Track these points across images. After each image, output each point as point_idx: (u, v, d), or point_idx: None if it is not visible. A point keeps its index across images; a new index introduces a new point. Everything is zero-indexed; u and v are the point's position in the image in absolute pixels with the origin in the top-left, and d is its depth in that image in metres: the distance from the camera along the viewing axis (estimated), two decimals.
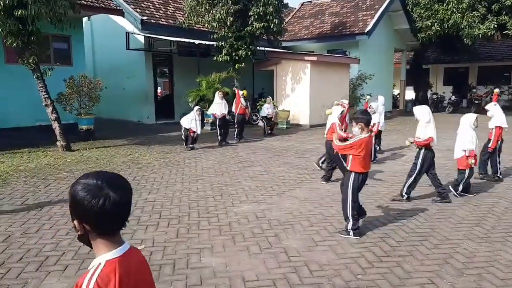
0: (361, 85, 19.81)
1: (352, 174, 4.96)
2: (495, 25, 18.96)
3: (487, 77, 29.26)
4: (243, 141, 13.00)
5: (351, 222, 4.95)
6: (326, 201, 6.31)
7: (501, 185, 7.57)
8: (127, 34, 16.73)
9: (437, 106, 25.57)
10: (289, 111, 16.69)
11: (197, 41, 16.16)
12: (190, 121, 11.08)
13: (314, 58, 16.43)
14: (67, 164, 9.07)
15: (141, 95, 17.91)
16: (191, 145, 11.33)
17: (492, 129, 7.90)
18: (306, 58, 16.62)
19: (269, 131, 14.71)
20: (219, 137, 12.28)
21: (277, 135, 14.50)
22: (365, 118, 4.94)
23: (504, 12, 19.20)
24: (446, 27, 20.27)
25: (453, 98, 24.85)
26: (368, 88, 19.65)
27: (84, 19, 16.18)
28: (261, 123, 16.28)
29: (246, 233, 5.01)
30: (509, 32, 19.01)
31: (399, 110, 25.11)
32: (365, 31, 19.35)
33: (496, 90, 9.18)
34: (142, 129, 16.00)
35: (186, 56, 18.02)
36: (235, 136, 13.15)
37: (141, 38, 17.02)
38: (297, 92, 17.08)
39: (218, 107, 12.27)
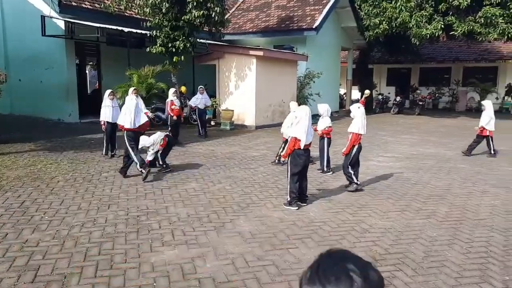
0: (309, 84, 18.64)
1: None
2: (442, 26, 18.49)
3: (429, 78, 29.48)
4: (177, 147, 11.19)
5: None
6: (279, 240, 4.76)
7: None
8: (43, 17, 14.27)
9: (382, 107, 25.13)
10: (233, 110, 15.09)
11: (126, 29, 14.07)
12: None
13: (261, 53, 14.93)
14: None
15: (62, 89, 15.47)
16: (111, 152, 9.41)
17: (351, 133, 6.96)
18: (252, 52, 15.08)
19: (203, 133, 12.98)
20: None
21: (219, 138, 12.83)
22: None
23: (451, 13, 18.80)
24: (394, 25, 19.57)
25: (398, 99, 24.48)
26: (316, 87, 18.56)
27: None
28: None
29: None
30: (455, 33, 18.61)
31: (345, 110, 24.34)
32: (314, 27, 18.17)
33: (367, 92, 8.27)
34: (61, 129, 13.70)
35: (116, 46, 15.85)
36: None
37: (60, 24, 14.60)
38: (242, 90, 15.50)
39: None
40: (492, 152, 10.43)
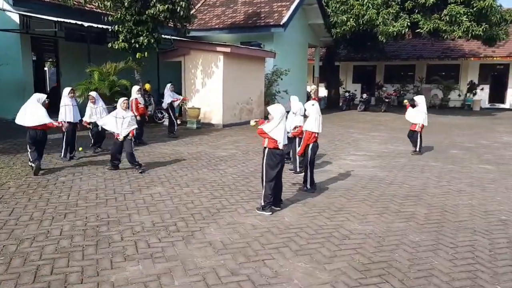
0: (276, 81, 18.39)
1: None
2: (408, 23, 18.65)
3: (393, 75, 29.91)
4: (141, 146, 10.65)
5: None
6: (254, 250, 4.40)
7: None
8: None
9: (349, 104, 25.22)
10: (199, 108, 14.58)
11: (86, 24, 13.31)
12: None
13: (228, 50, 14.49)
14: None
15: (17, 87, 14.49)
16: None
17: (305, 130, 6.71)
18: (219, 49, 14.61)
19: (172, 132, 12.48)
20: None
21: (185, 137, 12.33)
22: None
23: (416, 11, 18.99)
24: (361, 23, 19.61)
25: (364, 96, 24.65)
26: (283, 84, 18.33)
27: None
28: (167, 122, 14.00)
29: None
30: (421, 31, 18.82)
31: None
32: (281, 23, 17.89)
33: (313, 87, 8.28)
34: (15, 129, 12.71)
35: (75, 41, 15.02)
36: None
37: (15, 17, 13.66)
38: (209, 87, 15.02)
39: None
40: (417, 149, 10.32)
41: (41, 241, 4.52)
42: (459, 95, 27.09)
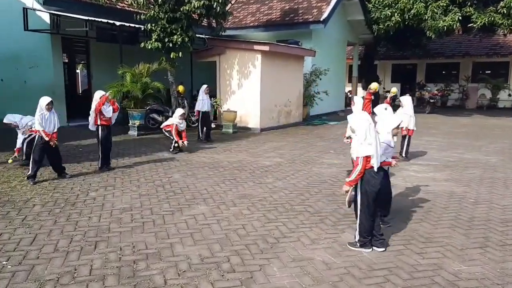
0: (315, 81, 17.28)
1: None
2: (459, 17, 17.15)
3: (436, 74, 28.19)
4: (177, 154, 9.78)
5: None
6: None
7: None
8: (25, 10, 12.78)
9: (390, 105, 23.71)
10: (235, 111, 13.63)
11: (118, 23, 12.60)
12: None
13: (266, 48, 13.48)
14: None
15: (47, 90, 13.85)
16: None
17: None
18: (257, 47, 13.63)
19: (204, 137, 11.61)
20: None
21: (222, 143, 11.41)
22: None
23: (469, 3, 17.47)
24: (407, 18, 18.20)
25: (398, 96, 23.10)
26: (321, 84, 17.22)
27: None
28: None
29: None
30: (474, 25, 17.28)
31: (351, 109, 22.96)
32: (321, 19, 16.77)
33: (393, 89, 7.15)
34: None
35: (107, 42, 14.37)
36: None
37: (45, 17, 13.10)
38: (245, 88, 14.06)
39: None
40: (404, 155, 9.29)
41: (65, 284, 3.61)
42: (509, 95, 25.17)
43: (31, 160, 7.00)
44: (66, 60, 18.25)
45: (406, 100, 9.36)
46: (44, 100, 6.97)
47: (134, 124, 12.51)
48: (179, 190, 6.68)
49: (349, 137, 7.18)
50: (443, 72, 28.18)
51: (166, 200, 6.14)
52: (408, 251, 4.39)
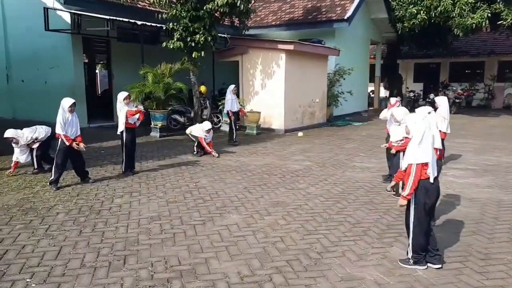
0: (339, 81, 16.82)
1: None
2: (489, 14, 16.47)
3: (460, 74, 27.38)
4: (202, 156, 9.48)
5: None
6: None
7: None
8: (46, 10, 12.63)
9: (413, 105, 23.10)
10: (259, 112, 13.27)
11: (140, 22, 12.35)
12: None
13: (291, 47, 13.09)
14: None
15: (68, 90, 13.69)
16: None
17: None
18: (281, 46, 13.25)
19: (232, 139, 11.31)
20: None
21: (247, 145, 11.07)
22: None
23: (499, 0, 16.79)
24: (433, 15, 17.61)
25: (432, 96, 22.42)
26: (344, 84, 16.76)
27: None
28: (225, 127, 12.81)
29: None
30: (504, 22, 16.59)
31: (374, 109, 22.45)
32: (345, 17, 16.30)
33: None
34: None
35: (128, 41, 14.12)
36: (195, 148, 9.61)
37: (66, 17, 12.93)
38: (269, 89, 13.69)
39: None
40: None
41: None
42: None
43: (53, 164, 6.74)
44: (86, 60, 18.15)
45: (442, 101, 8.83)
46: (67, 102, 6.68)
47: (156, 125, 12.25)
48: (208, 197, 6.35)
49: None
50: (468, 71, 27.36)
51: (196, 208, 5.81)
52: (468, 270, 3.97)
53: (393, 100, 7.47)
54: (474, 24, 16.51)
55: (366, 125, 16.03)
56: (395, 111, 6.62)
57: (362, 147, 10.95)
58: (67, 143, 6.63)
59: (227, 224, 5.18)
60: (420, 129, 3.80)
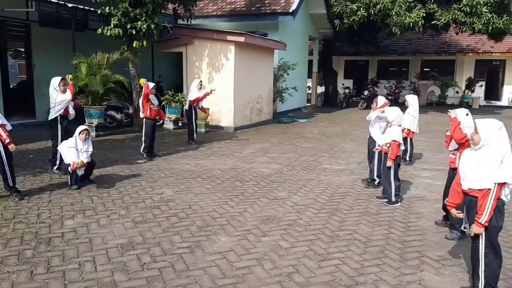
0: (283, 76, 16.30)
1: None
2: (424, 14, 16.99)
3: (387, 71, 28.51)
4: (156, 159, 8.34)
5: None
6: None
7: None
8: None
9: (348, 102, 23.50)
10: (208, 109, 12.24)
11: (70, 4, 10.70)
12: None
13: (241, 39, 12.22)
14: None
15: None
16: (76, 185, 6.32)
17: None
18: (230, 38, 12.33)
19: (193, 140, 10.25)
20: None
21: (200, 146, 10.04)
22: None
23: (432, 0, 17.41)
24: (372, 13, 17.80)
25: (366, 93, 22.93)
26: (287, 80, 16.30)
27: None
28: (169, 124, 11.61)
29: None
30: (437, 23, 17.23)
31: (311, 105, 22.39)
32: (290, 11, 15.75)
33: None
34: None
35: (53, 27, 12.26)
36: (143, 151, 8.41)
37: None
38: (217, 83, 12.68)
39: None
40: (408, 158, 8.65)
41: None
42: (457, 92, 25.96)
43: None
44: None
45: (413, 100, 8.63)
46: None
47: (92, 123, 10.71)
48: (182, 213, 5.33)
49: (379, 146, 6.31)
50: (394, 69, 28.57)
51: (173, 229, 4.78)
52: None
53: (381, 100, 6.95)
54: (411, 23, 16.92)
55: (312, 123, 15.70)
56: (388, 111, 6.10)
57: (321, 147, 10.48)
58: None
59: (221, 250, 4.24)
60: (504, 145, 3.19)
